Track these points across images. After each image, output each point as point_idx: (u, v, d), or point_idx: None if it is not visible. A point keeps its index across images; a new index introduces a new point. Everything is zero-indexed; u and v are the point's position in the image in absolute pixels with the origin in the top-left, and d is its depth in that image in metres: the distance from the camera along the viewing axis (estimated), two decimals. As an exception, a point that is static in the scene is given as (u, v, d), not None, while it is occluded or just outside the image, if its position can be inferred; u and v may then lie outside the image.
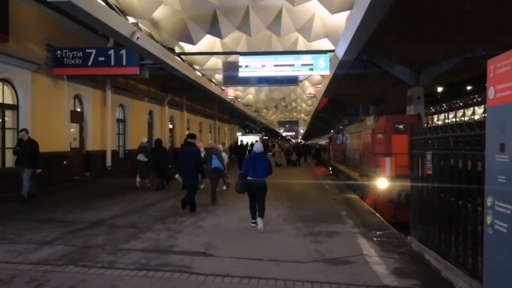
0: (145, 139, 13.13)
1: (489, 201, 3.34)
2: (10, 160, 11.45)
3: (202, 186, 11.88)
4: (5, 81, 11.28)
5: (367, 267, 4.97)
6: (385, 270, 4.82)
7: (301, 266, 4.95)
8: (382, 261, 5.20)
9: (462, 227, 4.19)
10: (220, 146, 13.49)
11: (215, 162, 9.90)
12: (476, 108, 37.78)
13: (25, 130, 10.07)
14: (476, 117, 37.27)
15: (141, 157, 12.29)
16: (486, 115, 3.54)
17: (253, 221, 7.10)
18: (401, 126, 10.90)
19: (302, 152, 30.21)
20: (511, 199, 3.03)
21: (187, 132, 26.69)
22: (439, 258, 4.63)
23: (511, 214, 3.01)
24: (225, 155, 12.72)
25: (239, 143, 30.97)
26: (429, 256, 4.94)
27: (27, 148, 9.70)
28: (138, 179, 12.21)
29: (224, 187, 12.15)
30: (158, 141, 12.96)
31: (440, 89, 26.92)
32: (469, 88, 29.01)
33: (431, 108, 41.37)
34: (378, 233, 6.85)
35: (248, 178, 7.03)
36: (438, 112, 44.95)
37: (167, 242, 6.07)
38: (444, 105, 41.15)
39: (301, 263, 5.08)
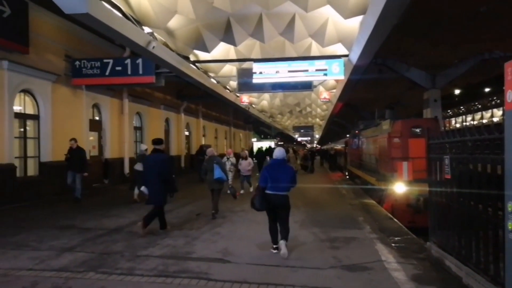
0: (144, 146, 11.54)
1: (510, 206, 3.28)
2: (32, 168, 11.75)
3: (242, 191, 12.08)
4: (26, 91, 11.60)
5: (386, 273, 4.91)
6: (404, 277, 4.76)
7: (318, 273, 4.92)
8: (401, 267, 5.13)
9: (483, 232, 4.12)
10: (246, 152, 13.91)
11: (217, 172, 8.69)
12: (495, 110, 37.01)
13: (74, 139, 11.15)
14: (495, 119, 36.51)
15: (138, 166, 10.44)
16: (504, 118, 3.49)
17: (274, 246, 5.84)
18: (418, 130, 10.78)
19: (314, 156, 29.86)
20: (533, 203, 2.97)
21: (203, 139, 26.91)
22: (460, 264, 4.55)
23: (533, 219, 2.95)
24: (250, 161, 13.43)
25: (254, 148, 30.53)
26: (449, 262, 4.86)
27: (76, 155, 10.92)
28: (136, 191, 10.66)
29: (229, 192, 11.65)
30: None
31: (457, 91, 26.45)
32: (487, 90, 28.43)
33: (449, 111, 40.71)
34: (396, 238, 6.77)
35: (267, 191, 5.80)
36: (455, 115, 44.19)
37: (184, 248, 6.12)
38: (462, 107, 40.45)
39: (318, 269, 5.06)
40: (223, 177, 8.82)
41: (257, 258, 5.55)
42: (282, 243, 5.67)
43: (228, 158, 12.58)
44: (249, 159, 13.50)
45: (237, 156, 13.97)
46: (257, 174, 14.80)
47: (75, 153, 10.94)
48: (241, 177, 13.40)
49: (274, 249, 5.82)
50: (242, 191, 12.88)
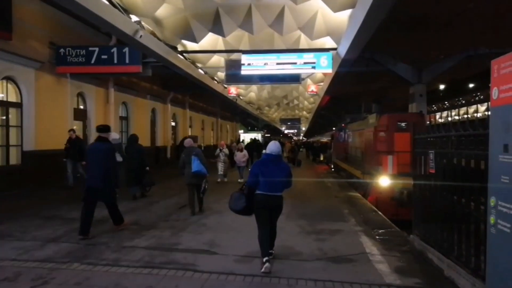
0: (116, 135, 10.79)
1: (492, 201, 3.36)
2: (14, 157, 11.52)
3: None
4: (9, 79, 11.31)
5: (370, 265, 5.00)
6: (387, 269, 4.85)
7: (304, 264, 4.98)
8: (384, 259, 5.23)
9: (465, 226, 4.21)
10: (242, 145, 14.78)
11: (196, 165, 7.77)
12: (479, 106, 37.69)
13: (73, 130, 11.76)
14: (479, 115, 37.21)
15: (117, 157, 9.56)
16: (489, 114, 3.55)
17: (265, 259, 4.73)
18: (403, 124, 10.89)
19: (298, 149, 30.21)
20: (514, 199, 3.05)
21: (190, 130, 26.71)
22: (442, 256, 4.66)
23: (514, 214, 3.03)
24: (245, 153, 14.53)
25: (241, 140, 30.57)
26: (431, 254, 4.97)
27: (75, 145, 11.39)
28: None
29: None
30: (133, 138, 10.52)
31: (442, 86, 26.82)
32: (471, 85, 28.92)
33: (433, 106, 41.26)
34: (380, 231, 6.88)
35: (258, 192, 4.96)
36: (440, 110, 44.84)
37: (170, 239, 6.11)
38: (446, 103, 41.04)
39: (304, 261, 5.12)
40: (202, 170, 7.87)
41: (243, 250, 5.57)
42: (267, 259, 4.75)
43: (221, 150, 13.07)
44: (245, 151, 14.56)
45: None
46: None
47: (74, 143, 11.44)
48: (237, 167, 14.67)
49: (265, 262, 4.68)
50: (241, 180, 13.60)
